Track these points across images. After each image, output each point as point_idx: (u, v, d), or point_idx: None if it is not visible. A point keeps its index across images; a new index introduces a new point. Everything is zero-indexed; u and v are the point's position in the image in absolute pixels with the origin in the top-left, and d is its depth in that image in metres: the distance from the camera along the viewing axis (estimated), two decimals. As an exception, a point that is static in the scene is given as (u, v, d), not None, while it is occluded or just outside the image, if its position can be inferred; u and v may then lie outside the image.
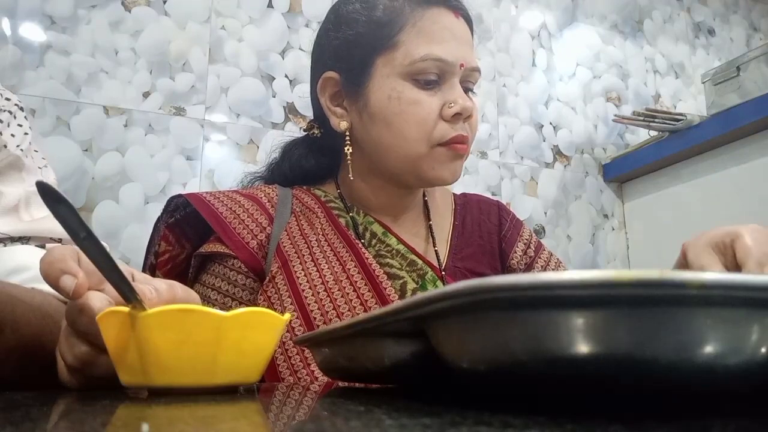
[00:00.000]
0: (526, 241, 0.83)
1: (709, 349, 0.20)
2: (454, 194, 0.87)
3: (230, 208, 0.71)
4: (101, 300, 0.38)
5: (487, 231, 0.82)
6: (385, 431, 0.18)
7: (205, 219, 0.70)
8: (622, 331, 0.20)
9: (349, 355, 0.36)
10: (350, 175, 0.73)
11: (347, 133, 0.73)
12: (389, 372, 0.33)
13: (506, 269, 0.80)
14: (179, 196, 0.74)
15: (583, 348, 0.20)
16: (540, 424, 0.19)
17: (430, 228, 0.78)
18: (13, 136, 0.64)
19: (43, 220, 0.61)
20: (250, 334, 0.35)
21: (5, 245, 0.59)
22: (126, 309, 0.34)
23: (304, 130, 0.82)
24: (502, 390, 0.26)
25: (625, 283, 0.19)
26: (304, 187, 0.79)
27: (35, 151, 0.68)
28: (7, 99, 0.66)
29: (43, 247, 0.60)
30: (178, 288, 0.43)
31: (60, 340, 0.41)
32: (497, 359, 0.23)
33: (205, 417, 0.25)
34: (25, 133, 0.66)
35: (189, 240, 0.75)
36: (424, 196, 0.82)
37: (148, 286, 0.38)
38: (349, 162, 0.73)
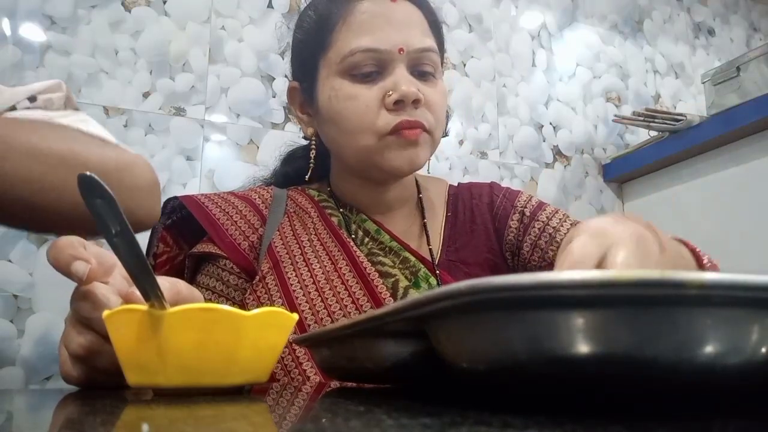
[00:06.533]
0: (520, 209, 0.76)
1: (709, 349, 0.20)
2: (450, 185, 0.85)
3: (223, 210, 0.72)
4: (105, 286, 0.39)
5: (480, 213, 0.78)
6: (385, 431, 0.18)
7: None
8: (622, 331, 0.20)
9: (349, 355, 0.36)
10: (307, 177, 0.75)
11: (313, 138, 0.76)
12: (389, 372, 0.33)
13: (504, 246, 0.76)
14: (174, 198, 0.74)
15: (583, 348, 0.20)
16: (540, 424, 0.19)
17: (424, 224, 0.77)
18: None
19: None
20: (266, 333, 0.36)
21: None
22: (140, 307, 0.33)
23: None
24: (502, 390, 0.26)
25: (625, 283, 0.19)
26: (299, 188, 0.79)
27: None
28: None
29: None
30: (182, 285, 0.42)
31: (65, 330, 0.41)
32: (497, 359, 0.23)
33: (205, 417, 0.25)
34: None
35: (187, 241, 0.75)
36: (418, 192, 0.81)
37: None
38: (311, 165, 0.75)
